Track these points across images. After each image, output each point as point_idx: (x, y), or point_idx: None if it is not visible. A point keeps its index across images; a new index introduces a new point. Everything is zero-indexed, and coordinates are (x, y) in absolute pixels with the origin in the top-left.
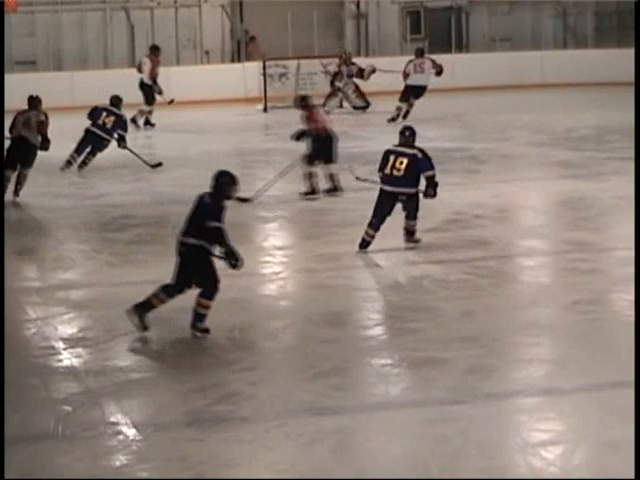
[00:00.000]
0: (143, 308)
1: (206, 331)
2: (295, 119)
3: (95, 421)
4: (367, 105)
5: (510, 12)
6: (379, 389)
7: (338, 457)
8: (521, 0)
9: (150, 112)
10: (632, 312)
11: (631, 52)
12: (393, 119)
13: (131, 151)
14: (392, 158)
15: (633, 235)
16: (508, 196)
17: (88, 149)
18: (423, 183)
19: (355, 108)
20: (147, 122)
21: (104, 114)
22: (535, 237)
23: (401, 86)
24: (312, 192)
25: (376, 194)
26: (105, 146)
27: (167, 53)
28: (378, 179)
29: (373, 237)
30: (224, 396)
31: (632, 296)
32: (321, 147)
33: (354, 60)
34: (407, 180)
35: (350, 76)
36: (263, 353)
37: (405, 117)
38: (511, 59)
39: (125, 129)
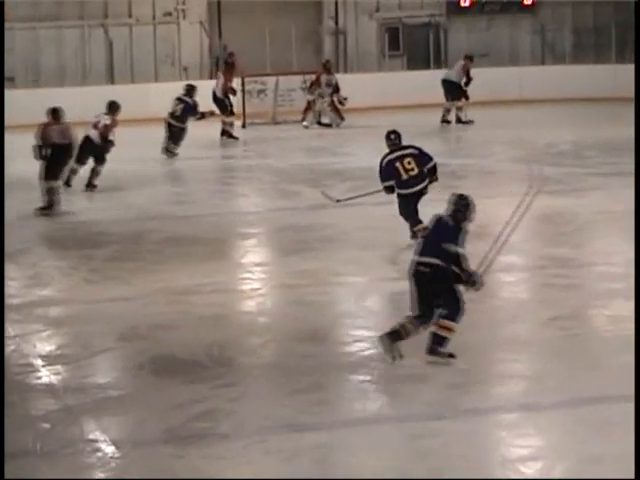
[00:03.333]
0: (393, 337)
1: (451, 356)
2: (273, 135)
3: (74, 438)
4: (341, 120)
5: (488, 28)
6: (359, 405)
7: (319, 472)
8: (499, 16)
9: (231, 124)
10: (611, 327)
11: (608, 68)
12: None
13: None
14: (399, 164)
15: (612, 251)
16: (487, 211)
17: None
18: None
19: (319, 124)
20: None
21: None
22: (514, 253)
23: (377, 102)
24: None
25: (355, 209)
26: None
27: (145, 70)
28: (360, 192)
29: (422, 230)
30: (203, 412)
31: (611, 311)
32: None
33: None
34: (423, 175)
35: (329, 85)
36: (242, 369)
37: (460, 121)
38: (489, 75)
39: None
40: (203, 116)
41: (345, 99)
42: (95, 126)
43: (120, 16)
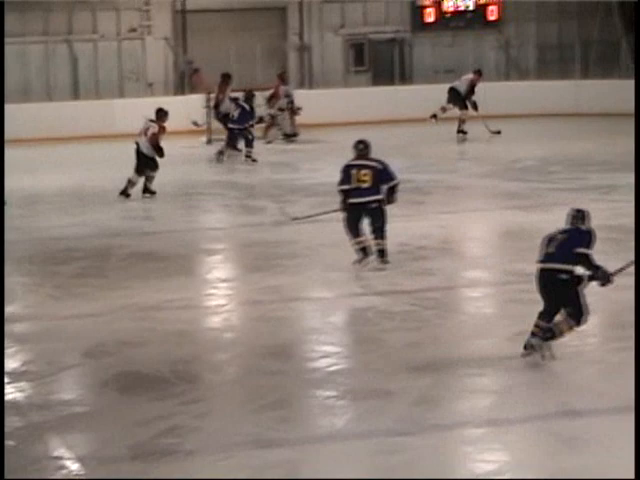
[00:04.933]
0: (547, 337)
1: (550, 355)
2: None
3: (39, 455)
4: (295, 135)
5: (453, 44)
6: (325, 421)
7: None
8: (464, 32)
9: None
10: (576, 342)
11: (572, 84)
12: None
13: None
14: (354, 172)
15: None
16: (452, 227)
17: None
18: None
19: (286, 136)
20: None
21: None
22: (479, 268)
23: (343, 118)
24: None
25: (321, 225)
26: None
27: (110, 86)
28: (320, 211)
29: (363, 242)
30: (169, 429)
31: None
32: None
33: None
34: (374, 190)
35: (287, 96)
36: (208, 386)
37: (460, 131)
38: None
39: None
40: (261, 120)
41: (299, 109)
42: (144, 134)
43: (85, 32)
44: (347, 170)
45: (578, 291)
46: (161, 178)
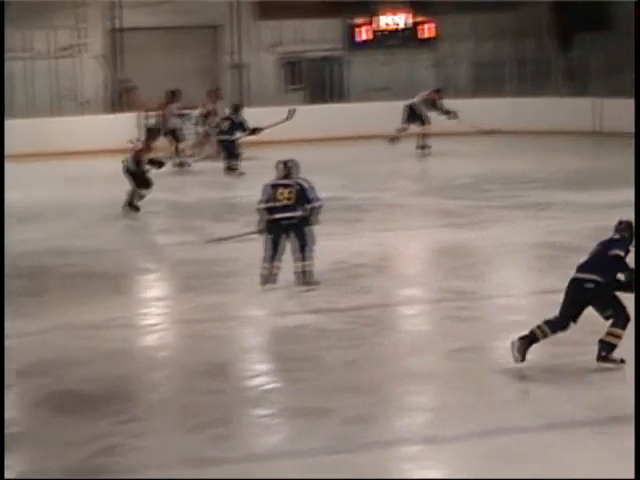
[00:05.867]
0: (525, 341)
1: (622, 361)
2: (174, 169)
3: None
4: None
5: (388, 62)
6: (261, 439)
7: None
8: (398, 50)
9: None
10: (511, 359)
11: (506, 101)
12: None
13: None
14: (275, 190)
15: (511, 283)
16: (389, 245)
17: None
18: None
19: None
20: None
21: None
22: (415, 286)
23: (278, 136)
24: None
25: (256, 243)
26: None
27: (45, 104)
28: (240, 232)
29: (273, 268)
30: (106, 448)
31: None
32: None
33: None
34: (294, 207)
35: (219, 114)
36: (144, 404)
37: (421, 147)
38: (389, 109)
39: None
40: (253, 132)
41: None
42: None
43: (19, 49)
44: (268, 188)
45: (616, 297)
46: (97, 196)
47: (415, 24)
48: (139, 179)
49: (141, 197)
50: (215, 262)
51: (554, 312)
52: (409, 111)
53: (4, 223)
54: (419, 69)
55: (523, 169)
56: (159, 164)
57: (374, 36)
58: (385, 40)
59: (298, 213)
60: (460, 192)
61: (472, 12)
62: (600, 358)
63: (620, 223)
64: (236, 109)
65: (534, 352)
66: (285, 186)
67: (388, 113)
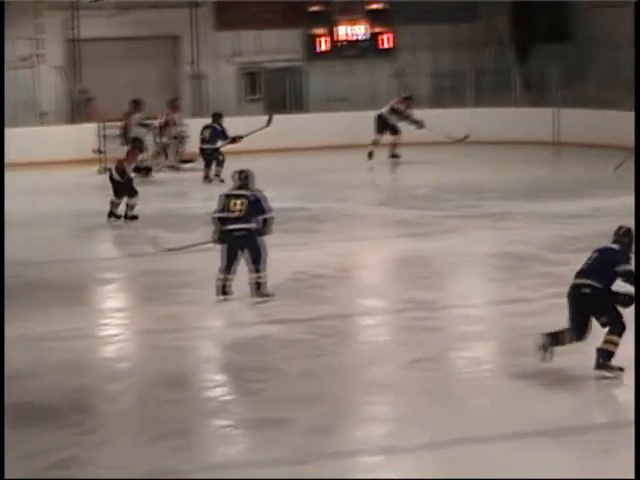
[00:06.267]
0: (553, 340)
1: (620, 369)
2: (134, 179)
3: None
4: (183, 164)
5: (347, 73)
6: (220, 450)
7: None
8: (358, 61)
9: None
10: (471, 369)
11: (466, 111)
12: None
13: None
14: (229, 200)
15: (470, 293)
16: (348, 255)
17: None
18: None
19: (182, 162)
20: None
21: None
22: (374, 296)
23: (236, 146)
24: None
25: (215, 254)
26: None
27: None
28: (193, 242)
29: (226, 279)
30: (64, 460)
31: (471, 353)
32: None
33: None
34: (245, 219)
35: (177, 124)
36: (103, 416)
37: (392, 155)
38: (348, 119)
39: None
40: (234, 140)
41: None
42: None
43: None
44: (222, 199)
45: (612, 304)
46: (55, 207)
47: (374, 34)
48: (124, 188)
49: (132, 207)
50: (174, 273)
51: (513, 322)
52: (379, 121)
53: (4, 225)
54: (378, 79)
55: (482, 179)
56: (146, 170)
57: (333, 47)
58: (344, 50)
59: (249, 225)
60: (419, 202)
61: (431, 23)
62: (598, 366)
63: (620, 228)
64: (217, 117)
65: (493, 362)
66: (238, 197)
67: (347, 123)
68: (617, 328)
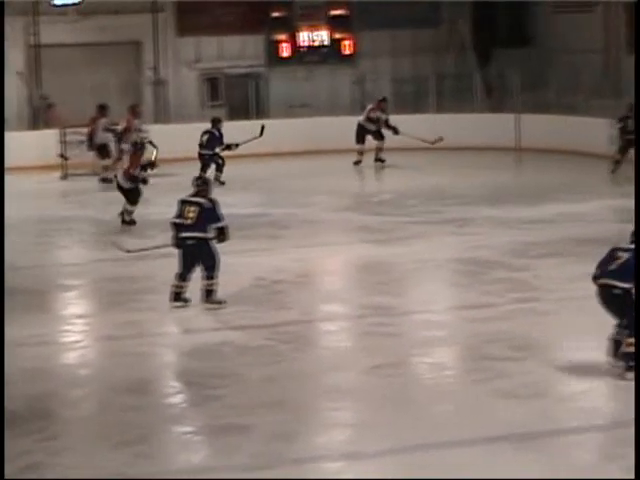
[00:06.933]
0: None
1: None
2: (94, 186)
3: None
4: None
5: (308, 78)
6: (182, 457)
7: None
8: (319, 67)
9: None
10: (432, 375)
11: (427, 117)
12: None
13: None
14: (184, 207)
15: (431, 299)
16: (309, 261)
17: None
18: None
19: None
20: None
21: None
22: (335, 302)
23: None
24: None
25: (176, 260)
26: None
27: None
28: (153, 245)
29: (180, 287)
30: (26, 466)
31: (432, 359)
32: None
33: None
34: (196, 227)
35: (139, 130)
36: (65, 422)
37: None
38: (310, 125)
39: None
40: (228, 148)
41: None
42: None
43: None
44: (179, 205)
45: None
46: (15, 213)
47: (336, 40)
48: (132, 194)
49: (130, 212)
50: (136, 279)
51: (475, 327)
52: (359, 131)
53: (4, 226)
54: (340, 85)
55: (444, 185)
56: (152, 165)
57: (295, 52)
58: (306, 56)
59: (200, 234)
60: (381, 208)
61: (392, 28)
62: (629, 368)
63: None
64: (216, 123)
65: (455, 367)
66: (192, 204)
67: (309, 129)
68: (632, 330)
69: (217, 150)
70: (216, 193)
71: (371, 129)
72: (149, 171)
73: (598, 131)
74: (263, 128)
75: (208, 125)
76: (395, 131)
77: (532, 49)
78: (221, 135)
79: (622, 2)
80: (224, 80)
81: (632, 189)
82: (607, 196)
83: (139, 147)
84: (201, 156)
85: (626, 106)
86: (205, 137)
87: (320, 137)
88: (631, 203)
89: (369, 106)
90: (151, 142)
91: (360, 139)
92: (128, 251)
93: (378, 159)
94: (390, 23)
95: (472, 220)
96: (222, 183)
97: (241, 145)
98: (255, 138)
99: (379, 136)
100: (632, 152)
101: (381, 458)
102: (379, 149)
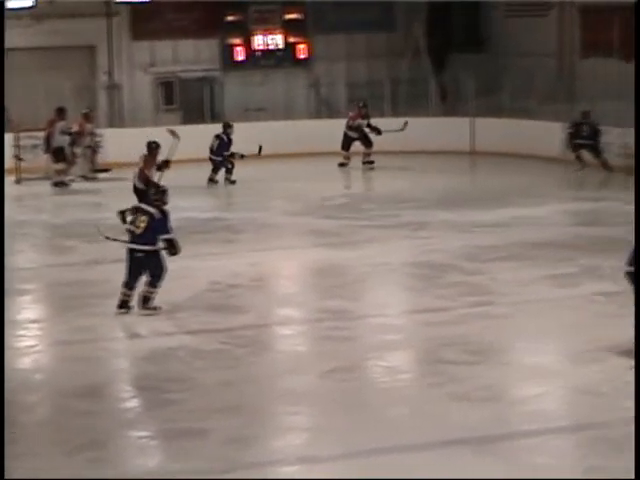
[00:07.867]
0: None
1: None
2: (48, 190)
3: None
4: (98, 174)
5: (263, 82)
6: (138, 461)
7: None
8: (274, 70)
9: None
10: (387, 379)
11: (382, 121)
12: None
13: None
14: (137, 215)
15: (386, 302)
16: (264, 265)
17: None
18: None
19: (96, 171)
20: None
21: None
22: (291, 305)
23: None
24: None
25: None
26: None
27: None
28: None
29: (127, 295)
30: None
31: (387, 363)
32: None
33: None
34: (145, 238)
35: (92, 134)
36: (19, 427)
37: (365, 162)
38: (266, 129)
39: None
40: (232, 156)
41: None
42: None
43: None
44: (133, 211)
45: None
46: None
47: (290, 44)
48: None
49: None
50: (90, 283)
51: (429, 331)
52: (345, 139)
53: (4, 227)
54: (295, 89)
55: (399, 189)
56: (166, 164)
57: (250, 56)
58: (261, 60)
59: (147, 247)
60: (336, 212)
61: (347, 32)
62: None
63: None
64: (226, 128)
65: (410, 371)
66: (144, 212)
67: (264, 133)
68: None
69: (226, 154)
70: (172, 197)
71: (354, 137)
72: (164, 171)
73: (552, 135)
74: (261, 148)
75: (161, 130)
76: (378, 132)
77: (486, 54)
78: (230, 141)
79: (577, 5)
80: (179, 84)
81: (586, 193)
82: (562, 200)
83: (153, 147)
84: (212, 160)
85: (581, 113)
86: (216, 143)
87: (276, 141)
88: (585, 207)
89: (350, 113)
90: (173, 132)
91: (345, 147)
92: (107, 237)
93: (367, 162)
94: (345, 27)
95: (427, 224)
96: (233, 182)
97: (244, 158)
98: (255, 155)
99: (367, 142)
100: (585, 155)
101: (337, 462)
102: (367, 153)
